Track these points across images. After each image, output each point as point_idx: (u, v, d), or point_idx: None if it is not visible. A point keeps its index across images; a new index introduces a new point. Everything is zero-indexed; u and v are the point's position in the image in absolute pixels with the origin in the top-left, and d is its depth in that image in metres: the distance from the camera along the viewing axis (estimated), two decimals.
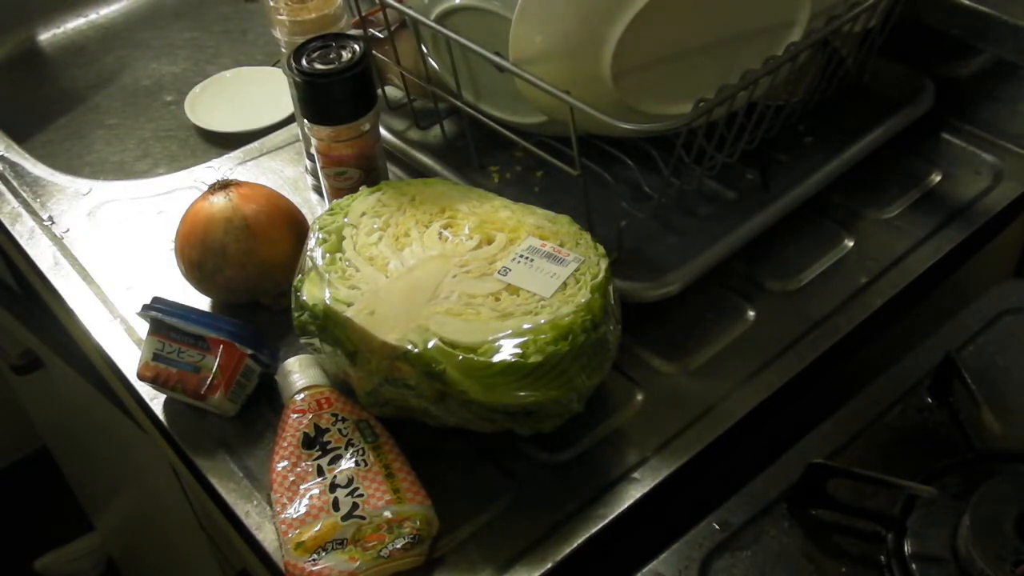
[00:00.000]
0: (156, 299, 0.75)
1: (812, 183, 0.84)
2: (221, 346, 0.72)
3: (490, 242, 0.70)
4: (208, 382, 0.71)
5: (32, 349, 1.27)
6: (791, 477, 0.68)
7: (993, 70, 0.94)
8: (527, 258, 0.68)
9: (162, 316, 0.73)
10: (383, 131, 0.89)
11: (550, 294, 0.66)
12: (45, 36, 1.27)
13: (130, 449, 1.09)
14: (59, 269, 0.88)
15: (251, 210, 0.78)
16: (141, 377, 0.74)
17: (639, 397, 0.74)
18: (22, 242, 0.91)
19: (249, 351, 0.73)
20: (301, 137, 0.96)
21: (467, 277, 0.68)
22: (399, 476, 0.66)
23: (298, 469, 0.66)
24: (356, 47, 0.76)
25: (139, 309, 0.75)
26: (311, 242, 0.71)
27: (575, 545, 0.65)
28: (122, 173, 1.06)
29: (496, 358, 0.63)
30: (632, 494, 0.68)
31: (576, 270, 0.67)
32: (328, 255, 0.70)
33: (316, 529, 0.63)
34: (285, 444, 0.68)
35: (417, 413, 0.69)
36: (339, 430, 0.68)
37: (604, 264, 0.68)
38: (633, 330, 0.76)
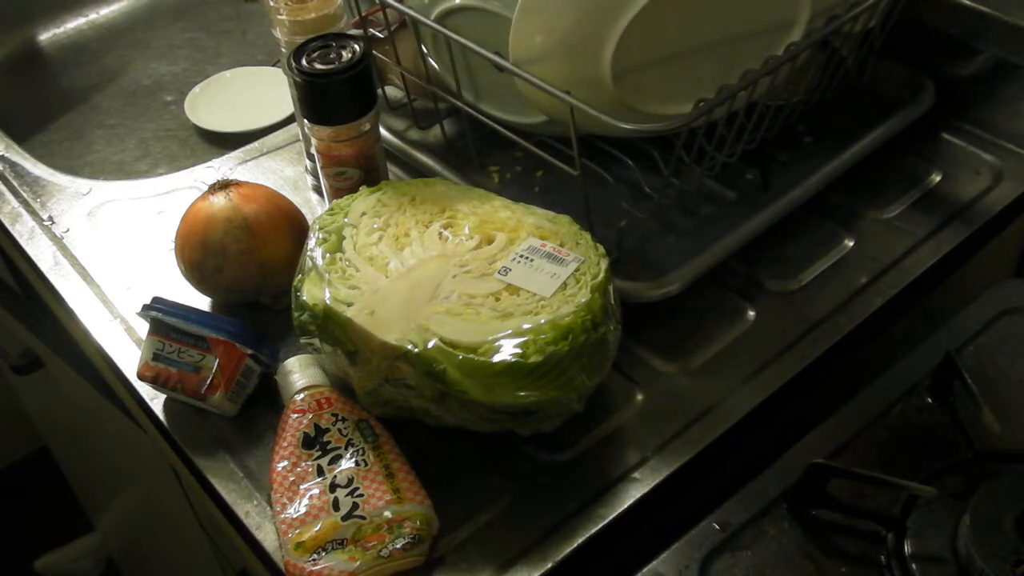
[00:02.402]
0: (156, 299, 0.75)
1: (812, 183, 0.84)
2: (221, 346, 0.72)
3: (490, 242, 0.70)
4: (208, 382, 0.71)
5: (32, 349, 1.27)
6: (791, 477, 0.68)
7: (993, 70, 0.94)
8: (527, 258, 0.68)
9: (162, 316, 0.73)
10: (383, 131, 0.89)
11: (550, 294, 0.66)
12: (45, 36, 1.27)
13: (130, 449, 1.09)
14: (59, 269, 0.88)
15: (251, 210, 0.78)
16: (141, 377, 0.74)
17: (639, 397, 0.74)
18: (22, 242, 0.91)
19: (249, 351, 0.73)
20: (301, 137, 0.96)
21: (467, 277, 0.68)
22: (399, 476, 0.66)
23: (298, 469, 0.66)
24: (356, 47, 0.76)
25: (139, 309, 0.75)
26: (311, 242, 0.71)
27: (575, 545, 0.65)
28: (122, 173, 1.06)
29: (496, 358, 0.63)
30: (632, 494, 0.68)
31: (576, 270, 0.67)
32: (328, 255, 0.70)
33: (316, 529, 0.63)
34: (285, 444, 0.68)
35: (417, 413, 0.69)
36: (339, 430, 0.68)
37: (604, 264, 0.68)
38: (633, 330, 0.76)
